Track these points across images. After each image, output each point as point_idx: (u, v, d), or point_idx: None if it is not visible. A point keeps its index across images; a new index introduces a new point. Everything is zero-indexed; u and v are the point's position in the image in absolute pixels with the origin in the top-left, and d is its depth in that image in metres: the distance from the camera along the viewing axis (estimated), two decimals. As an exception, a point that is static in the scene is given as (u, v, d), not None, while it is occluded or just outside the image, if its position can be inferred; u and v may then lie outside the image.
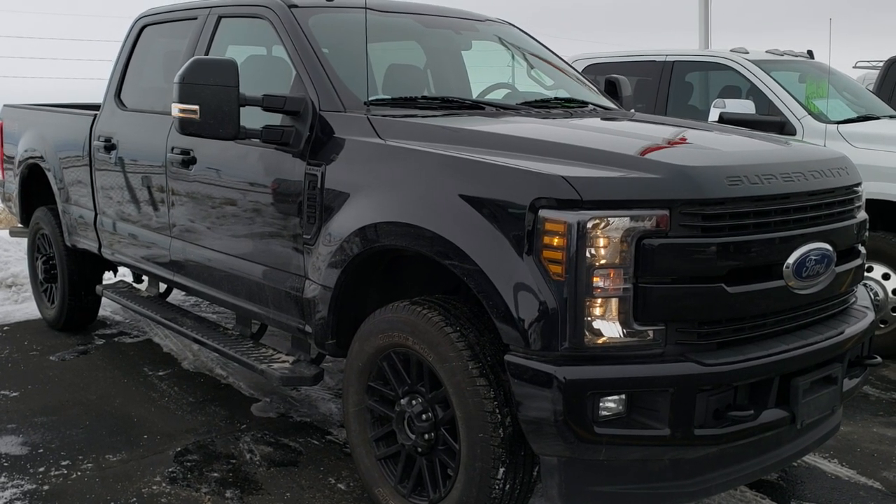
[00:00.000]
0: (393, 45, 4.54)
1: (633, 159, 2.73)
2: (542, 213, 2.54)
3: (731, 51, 6.36)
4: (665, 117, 4.75)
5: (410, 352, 2.97)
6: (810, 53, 6.87)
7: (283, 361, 3.72)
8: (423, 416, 2.96)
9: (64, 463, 3.78)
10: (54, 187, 5.54)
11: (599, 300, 2.52)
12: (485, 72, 4.84)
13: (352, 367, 3.23)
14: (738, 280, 2.66)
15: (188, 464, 3.78)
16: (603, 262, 2.50)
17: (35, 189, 5.94)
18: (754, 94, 6.14)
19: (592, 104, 4.08)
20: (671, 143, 3.06)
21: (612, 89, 4.62)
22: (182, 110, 3.28)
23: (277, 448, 3.95)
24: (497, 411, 2.71)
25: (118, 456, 3.86)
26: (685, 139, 3.16)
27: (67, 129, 5.37)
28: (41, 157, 5.66)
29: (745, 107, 5.69)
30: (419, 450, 3.01)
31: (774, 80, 5.92)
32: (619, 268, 2.52)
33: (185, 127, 3.30)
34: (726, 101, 5.68)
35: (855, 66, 12.74)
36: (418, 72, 4.52)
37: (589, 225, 2.48)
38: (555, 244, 2.52)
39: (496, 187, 2.67)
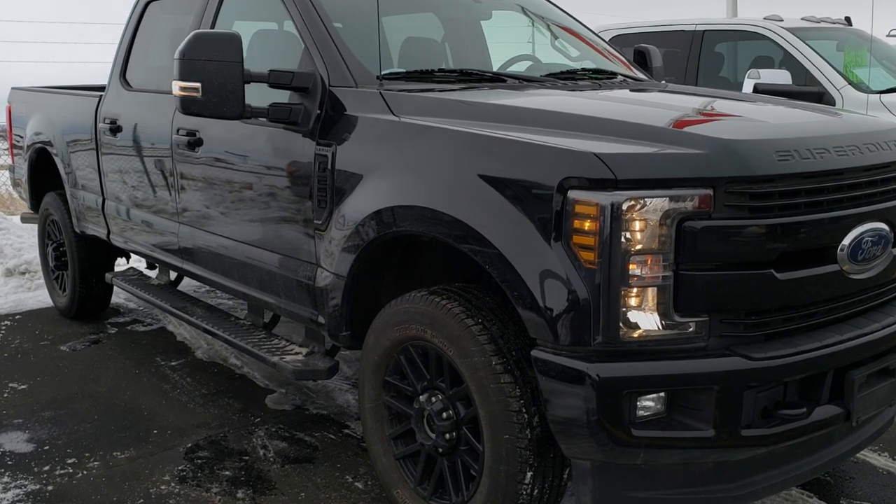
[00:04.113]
0: (408, 17, 4.30)
1: (672, 133, 2.48)
2: (572, 194, 2.30)
3: (764, 18, 6.04)
4: (701, 88, 4.47)
5: (429, 345, 2.76)
6: (848, 20, 6.54)
7: (297, 353, 3.52)
8: (444, 415, 2.75)
9: (70, 461, 3.61)
10: (62, 172, 5.37)
11: (636, 289, 2.28)
12: (506, 43, 4.59)
13: (367, 360, 3.03)
14: (789, 265, 2.41)
15: (199, 461, 3.60)
16: (640, 247, 2.27)
17: (44, 174, 5.78)
18: (788, 63, 5.86)
19: (622, 75, 3.81)
20: (713, 116, 2.80)
21: (641, 60, 4.35)
22: (183, 88, 3.06)
23: (292, 443, 3.76)
24: (524, 410, 2.49)
25: (126, 453, 3.69)
26: (728, 111, 2.90)
27: (73, 112, 5.19)
28: (49, 142, 5.48)
29: (780, 77, 5.41)
30: (440, 450, 2.80)
31: (812, 48, 5.61)
32: (658, 253, 2.28)
33: (187, 106, 3.08)
34: (761, 71, 5.39)
35: (888, 35, 12.27)
36: (435, 45, 4.27)
37: (624, 206, 2.24)
38: (586, 228, 2.28)
39: (520, 166, 2.44)
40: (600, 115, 2.68)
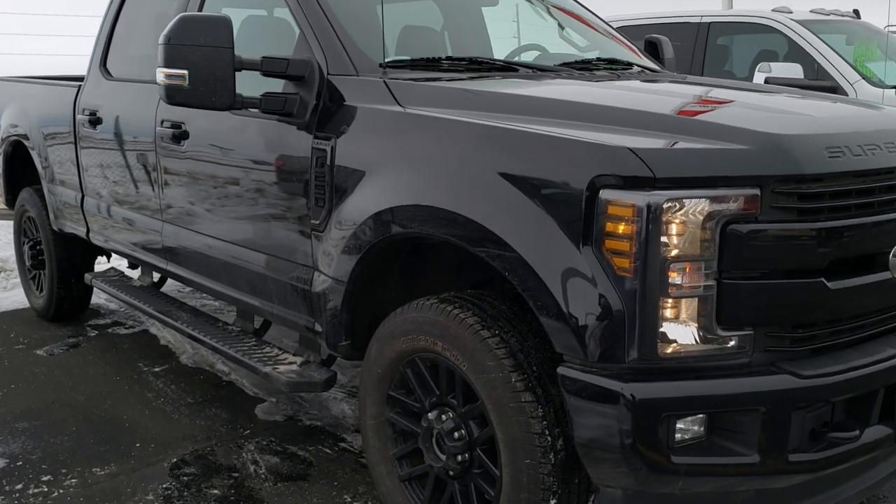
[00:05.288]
0: (405, 5, 4.05)
1: (713, 127, 2.24)
2: (605, 193, 2.06)
3: (772, 10, 5.83)
4: (724, 80, 4.25)
5: (439, 358, 2.52)
6: (856, 13, 6.34)
7: (291, 363, 3.27)
8: (456, 435, 2.51)
9: (45, 478, 3.34)
10: (39, 166, 5.08)
11: (676, 300, 2.05)
12: (509, 31, 4.34)
13: (369, 373, 2.78)
14: (839, 273, 2.19)
15: (185, 478, 3.34)
16: (681, 253, 2.03)
17: (20, 168, 5.48)
18: (794, 57, 5.64)
19: (638, 66, 3.58)
20: (751, 109, 2.57)
21: (653, 51, 4.12)
22: (168, 76, 2.80)
23: (285, 458, 3.51)
24: (546, 433, 2.25)
25: (107, 469, 3.42)
26: (766, 104, 2.67)
27: (51, 103, 4.91)
28: (24, 134, 5.19)
29: (792, 71, 5.19)
30: (451, 472, 2.56)
31: (823, 41, 5.39)
32: (701, 260, 2.05)
33: (173, 95, 2.82)
34: (772, 64, 5.18)
35: (887, 28, 12.13)
36: (434, 33, 4.02)
37: (664, 208, 2.01)
38: (620, 232, 2.05)
39: (545, 163, 2.20)
40: (630, 106, 2.45)
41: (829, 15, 5.96)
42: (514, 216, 2.23)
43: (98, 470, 3.42)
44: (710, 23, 5.95)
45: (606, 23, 4.17)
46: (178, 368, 4.60)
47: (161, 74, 2.82)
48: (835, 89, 5.12)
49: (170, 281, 4.65)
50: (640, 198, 2.02)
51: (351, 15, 3.16)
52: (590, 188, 2.08)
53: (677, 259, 2.04)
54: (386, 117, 2.70)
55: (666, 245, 2.03)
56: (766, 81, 5.06)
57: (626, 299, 2.05)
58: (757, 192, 2.07)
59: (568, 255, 2.13)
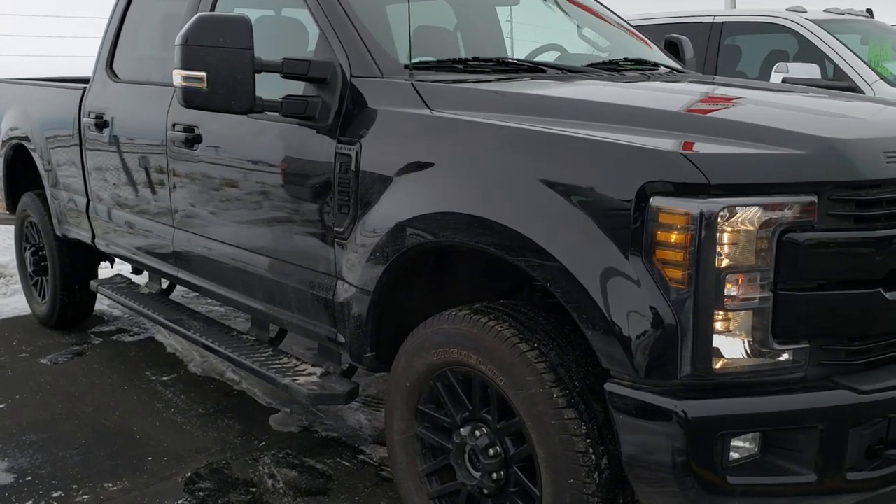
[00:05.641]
0: (418, 4, 3.94)
1: (767, 130, 2.14)
2: (655, 201, 1.97)
3: (786, 10, 5.75)
4: (753, 81, 4.16)
5: (473, 372, 2.41)
6: (870, 12, 6.27)
7: (310, 374, 3.16)
8: (490, 452, 2.41)
9: (56, 494, 3.23)
10: (41, 170, 4.97)
11: (731, 313, 1.96)
12: (525, 31, 4.24)
13: (397, 386, 2.68)
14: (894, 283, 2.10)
15: (201, 493, 3.23)
16: (736, 263, 1.94)
17: (21, 172, 5.35)
18: (807, 57, 5.56)
19: (665, 66, 3.48)
20: (801, 111, 2.47)
21: (674, 51, 4.02)
22: (186, 78, 2.69)
23: (303, 472, 3.41)
24: (591, 451, 2.15)
25: (119, 484, 3.31)
26: (813, 107, 2.57)
27: (54, 105, 4.79)
28: (26, 137, 5.07)
29: (809, 71, 5.11)
30: (485, 491, 2.46)
31: (840, 41, 5.31)
32: (757, 271, 1.96)
33: (190, 98, 2.72)
34: (789, 65, 5.09)
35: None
36: (448, 33, 3.92)
37: (719, 216, 1.91)
38: (672, 241, 1.95)
39: (590, 169, 2.10)
40: (673, 108, 2.35)
41: (843, 14, 5.89)
42: (556, 224, 2.13)
43: (110, 485, 3.31)
44: (722, 23, 5.86)
45: (626, 22, 4.07)
46: (186, 377, 4.49)
47: (178, 76, 2.71)
48: (853, 90, 5.03)
49: (172, 285, 4.54)
50: (693, 205, 1.92)
51: (372, 15, 3.06)
52: (639, 195, 1.98)
53: (733, 269, 1.94)
54: (415, 121, 2.60)
55: (721, 255, 1.93)
56: (784, 82, 4.97)
57: (678, 312, 1.95)
58: (814, 199, 1.98)
59: (615, 265, 2.03)
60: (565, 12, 4.06)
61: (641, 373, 2.00)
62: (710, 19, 5.91)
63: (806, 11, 5.67)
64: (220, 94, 2.70)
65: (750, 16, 6.04)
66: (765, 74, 5.80)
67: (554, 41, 3.88)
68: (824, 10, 5.88)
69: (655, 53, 3.71)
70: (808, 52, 5.58)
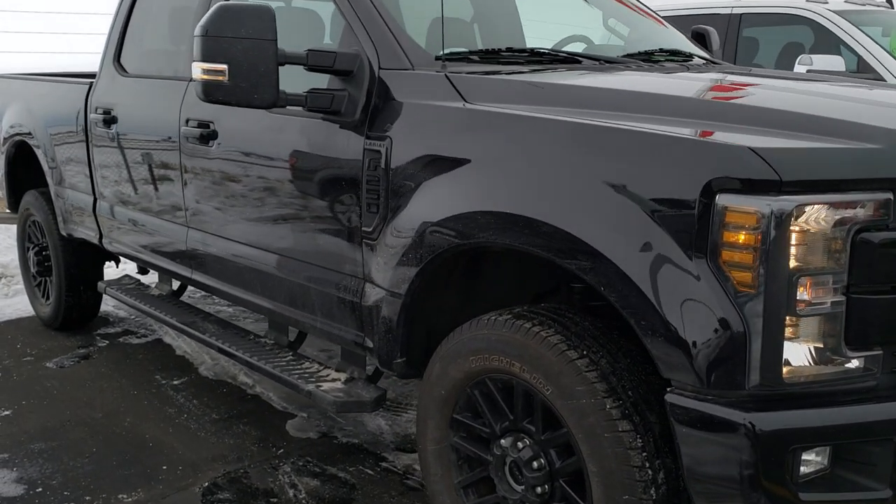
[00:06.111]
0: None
1: (837, 123, 2.02)
2: (722, 199, 1.84)
3: (807, 1, 5.62)
4: (795, 73, 4.03)
5: (515, 380, 2.29)
6: (890, 3, 6.14)
7: (334, 380, 3.03)
8: (535, 464, 2.28)
9: (68, 506, 3.11)
10: (45, 168, 4.82)
11: (803, 319, 1.83)
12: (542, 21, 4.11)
13: (430, 394, 2.55)
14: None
15: (219, 504, 3.11)
16: (809, 265, 1.81)
17: (24, 170, 5.20)
18: (824, 48, 5.43)
19: (699, 57, 3.35)
20: (866, 103, 2.34)
21: (701, 41, 3.89)
22: (206, 71, 2.55)
23: (325, 480, 3.28)
24: (647, 465, 2.03)
25: (134, 495, 3.18)
26: (871, 98, 2.44)
27: (59, 101, 4.64)
28: (29, 134, 4.92)
29: (833, 63, 4.98)
30: (528, 505, 2.33)
31: (864, 32, 5.19)
32: (830, 273, 1.83)
33: (211, 92, 2.57)
34: (813, 57, 4.97)
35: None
36: (466, 24, 3.78)
37: (792, 215, 1.79)
38: (741, 242, 1.82)
39: (648, 165, 1.97)
40: (731, 100, 2.22)
41: (864, 5, 5.77)
42: (610, 224, 2.00)
43: (125, 496, 3.17)
44: (741, 14, 5.74)
45: (653, 12, 3.94)
46: (198, 381, 4.35)
47: (198, 69, 2.57)
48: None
49: (183, 286, 4.40)
50: (763, 204, 1.79)
51: (399, 5, 2.92)
52: (704, 193, 1.85)
53: (805, 272, 1.82)
54: (450, 115, 2.46)
55: (793, 256, 1.81)
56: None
57: (747, 318, 1.83)
58: (890, 196, 1.86)
59: (677, 267, 1.90)
60: (586, 1, 3.93)
61: (706, 383, 1.88)
62: (728, 10, 5.79)
63: (828, 2, 5.55)
64: (242, 87, 2.56)
65: (770, 7, 5.91)
66: (781, 67, 5.68)
67: (578, 32, 3.75)
68: (845, 1, 5.76)
69: (688, 44, 3.57)
70: (824, 43, 5.46)
